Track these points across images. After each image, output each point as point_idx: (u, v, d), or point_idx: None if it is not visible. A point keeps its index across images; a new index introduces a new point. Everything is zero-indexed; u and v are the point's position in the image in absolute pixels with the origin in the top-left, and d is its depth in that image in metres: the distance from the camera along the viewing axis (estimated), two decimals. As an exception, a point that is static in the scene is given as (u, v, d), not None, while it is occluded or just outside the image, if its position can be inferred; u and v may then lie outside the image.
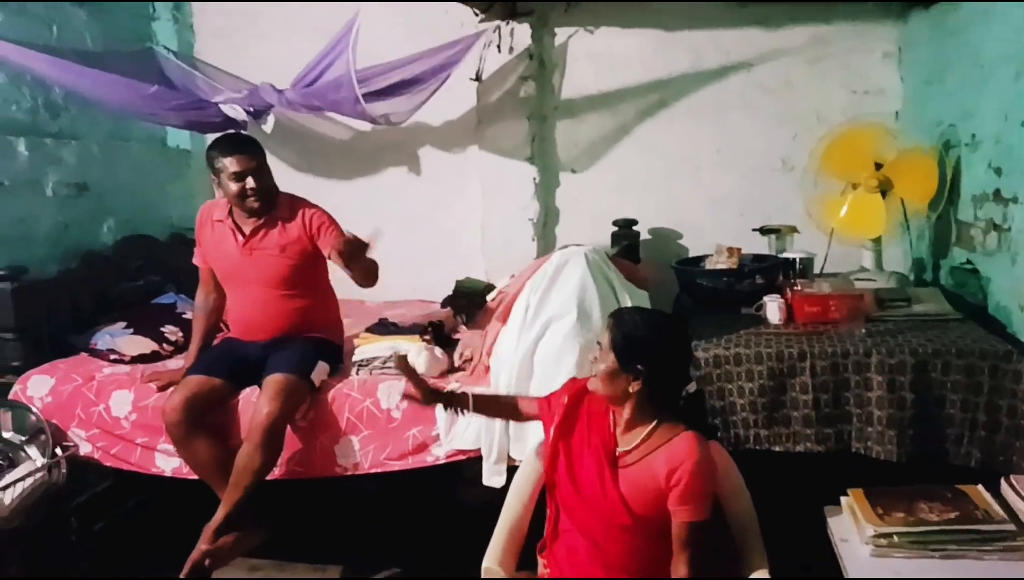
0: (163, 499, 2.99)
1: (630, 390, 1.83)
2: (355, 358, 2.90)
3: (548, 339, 2.53)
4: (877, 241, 3.20)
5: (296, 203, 2.84)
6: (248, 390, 2.74)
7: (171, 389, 2.71)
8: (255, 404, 2.62)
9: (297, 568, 2.93)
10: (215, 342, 2.99)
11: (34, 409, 2.81)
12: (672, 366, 1.88)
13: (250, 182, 2.68)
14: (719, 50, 3.80)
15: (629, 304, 2.68)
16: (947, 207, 3.06)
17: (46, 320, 3.12)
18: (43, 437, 2.76)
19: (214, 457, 2.63)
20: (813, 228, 3.27)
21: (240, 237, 2.78)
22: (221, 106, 3.40)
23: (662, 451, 1.82)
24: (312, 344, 2.82)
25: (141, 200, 3.86)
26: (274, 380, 2.62)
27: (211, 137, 4.06)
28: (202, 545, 2.50)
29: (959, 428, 2.33)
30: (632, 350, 1.81)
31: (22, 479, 2.60)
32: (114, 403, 2.81)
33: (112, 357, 3.04)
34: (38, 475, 2.65)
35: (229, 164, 2.67)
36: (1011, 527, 1.73)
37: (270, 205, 2.77)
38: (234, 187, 2.69)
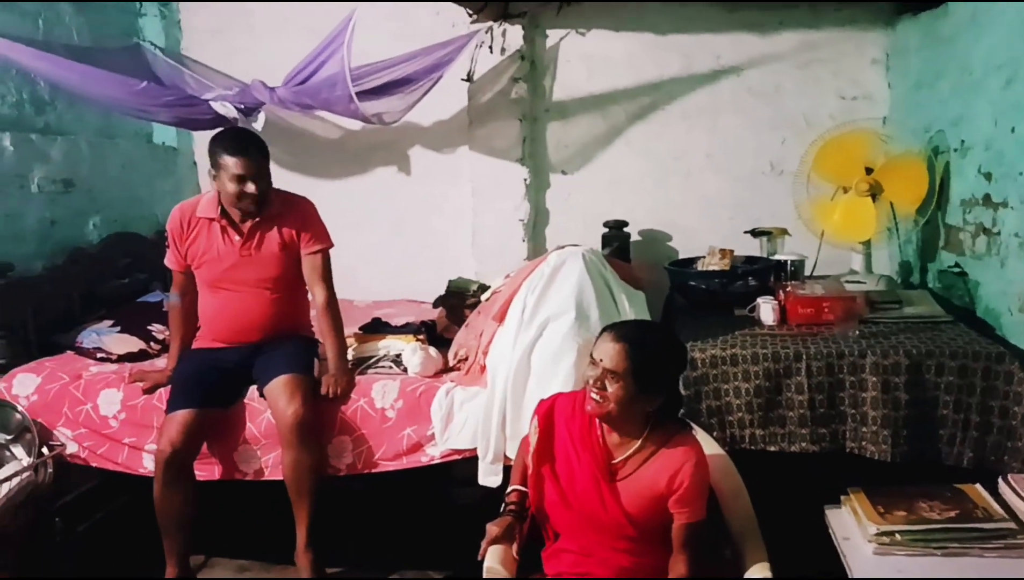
0: (148, 501, 2.94)
1: (648, 410, 1.82)
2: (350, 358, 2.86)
3: (546, 339, 2.52)
4: (866, 244, 3.23)
5: (286, 197, 2.78)
6: (246, 397, 2.70)
7: (160, 411, 2.66)
8: (277, 410, 2.55)
9: (287, 569, 2.88)
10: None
11: (20, 407, 2.76)
12: (679, 377, 1.88)
13: (250, 187, 2.58)
14: (710, 54, 3.82)
15: (626, 304, 2.69)
16: (935, 211, 3.10)
17: (32, 317, 3.08)
18: (29, 436, 2.71)
19: (182, 512, 2.56)
20: (803, 231, 3.30)
21: (236, 237, 2.70)
22: (212, 103, 3.36)
23: (661, 456, 1.82)
24: (303, 342, 2.80)
25: (128, 197, 3.82)
26: (285, 381, 2.57)
27: (198, 135, 4.05)
28: (305, 575, 2.56)
29: (952, 428, 2.35)
30: (654, 373, 1.79)
31: (8, 479, 2.56)
32: (102, 402, 2.77)
33: (99, 355, 3.00)
34: (24, 475, 2.60)
35: (232, 165, 2.56)
36: (1012, 525, 1.76)
37: (265, 206, 2.69)
38: (232, 188, 2.58)
